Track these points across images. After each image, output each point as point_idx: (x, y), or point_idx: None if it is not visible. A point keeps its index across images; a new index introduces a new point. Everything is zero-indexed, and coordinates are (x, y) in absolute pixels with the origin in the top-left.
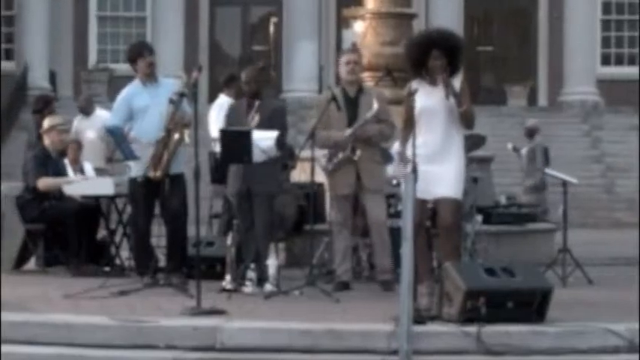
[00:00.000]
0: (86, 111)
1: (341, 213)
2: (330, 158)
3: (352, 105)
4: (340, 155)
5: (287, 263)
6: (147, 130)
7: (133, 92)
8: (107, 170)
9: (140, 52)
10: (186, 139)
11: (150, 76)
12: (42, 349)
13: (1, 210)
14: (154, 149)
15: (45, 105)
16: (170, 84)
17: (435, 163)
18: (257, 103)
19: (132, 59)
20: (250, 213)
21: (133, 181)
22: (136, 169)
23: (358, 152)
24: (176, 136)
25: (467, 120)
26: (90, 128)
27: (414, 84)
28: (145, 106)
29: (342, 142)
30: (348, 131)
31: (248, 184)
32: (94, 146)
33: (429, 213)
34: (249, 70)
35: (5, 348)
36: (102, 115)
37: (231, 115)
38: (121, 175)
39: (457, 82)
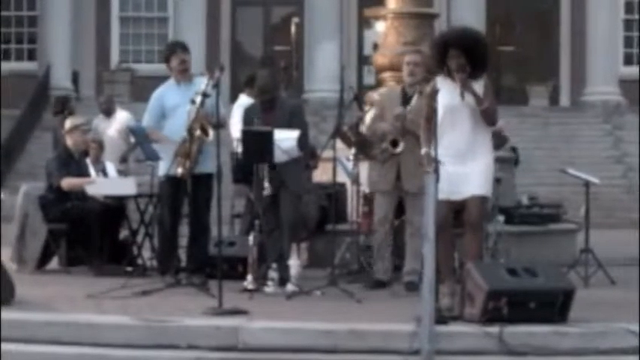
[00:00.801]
0: (107, 111)
1: (378, 210)
2: (355, 162)
3: (408, 104)
4: (383, 145)
5: (309, 263)
6: (175, 129)
7: (165, 91)
8: (121, 170)
9: (173, 50)
10: (210, 136)
11: (183, 74)
12: (64, 348)
13: (1, 208)
14: (178, 148)
15: (63, 106)
16: (203, 83)
17: (462, 163)
18: (269, 110)
19: (166, 58)
20: (276, 216)
21: (160, 181)
22: (163, 169)
23: (401, 145)
24: (197, 135)
25: (487, 118)
26: (110, 128)
27: (439, 81)
28: (174, 105)
29: (388, 132)
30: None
31: (277, 186)
32: (115, 146)
33: (453, 214)
34: (261, 79)
35: (28, 348)
36: (123, 116)
37: (245, 119)
38: (141, 175)
39: (480, 81)
